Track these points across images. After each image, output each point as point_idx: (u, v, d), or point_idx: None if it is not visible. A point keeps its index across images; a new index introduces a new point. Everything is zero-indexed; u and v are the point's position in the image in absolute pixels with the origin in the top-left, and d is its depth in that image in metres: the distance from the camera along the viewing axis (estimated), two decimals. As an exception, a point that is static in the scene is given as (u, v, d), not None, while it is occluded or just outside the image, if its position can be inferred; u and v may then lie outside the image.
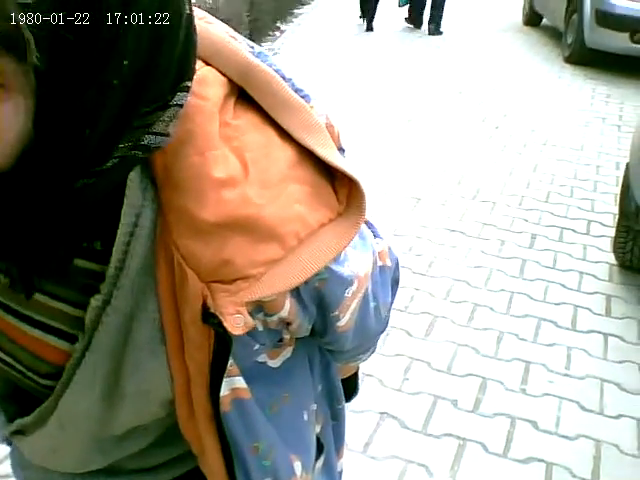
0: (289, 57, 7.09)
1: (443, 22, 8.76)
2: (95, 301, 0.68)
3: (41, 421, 0.78)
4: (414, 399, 2.65)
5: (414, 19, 8.99)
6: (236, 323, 0.66)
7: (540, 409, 2.65)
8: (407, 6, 9.04)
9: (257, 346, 0.74)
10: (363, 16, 8.82)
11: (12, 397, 0.85)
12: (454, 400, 2.66)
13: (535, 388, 2.76)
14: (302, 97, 0.71)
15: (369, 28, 8.70)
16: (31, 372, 0.75)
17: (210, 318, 0.66)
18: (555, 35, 8.88)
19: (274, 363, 0.81)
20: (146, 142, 0.61)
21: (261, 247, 0.64)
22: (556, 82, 7.11)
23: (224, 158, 0.65)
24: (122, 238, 0.65)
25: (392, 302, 0.96)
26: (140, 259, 0.66)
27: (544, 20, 9.61)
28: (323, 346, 0.91)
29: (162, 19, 0.56)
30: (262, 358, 0.79)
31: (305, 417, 0.89)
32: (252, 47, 0.74)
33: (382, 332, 0.96)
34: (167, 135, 0.62)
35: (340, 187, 0.70)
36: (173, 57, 0.59)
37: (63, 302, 0.70)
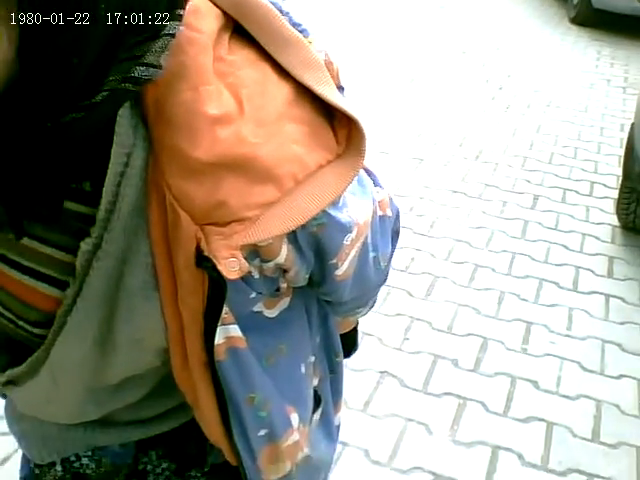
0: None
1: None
2: (85, 245, 0.65)
3: (33, 371, 0.75)
4: (414, 358, 2.64)
5: None
6: (231, 267, 0.63)
7: (541, 369, 2.64)
8: None
9: (253, 294, 0.72)
10: None
11: (4, 347, 0.83)
12: (454, 359, 2.65)
13: (536, 348, 2.75)
14: (300, 32, 0.68)
15: None
16: (22, 320, 0.73)
17: (204, 262, 0.63)
18: (561, -5, 8.75)
19: (270, 313, 0.79)
20: (136, 74, 0.57)
21: (257, 188, 0.62)
22: (561, 43, 7.02)
23: (218, 94, 0.61)
24: (112, 179, 0.62)
25: (392, 253, 0.93)
26: (131, 200, 0.63)
27: (549, -20, 9.46)
28: (321, 297, 0.88)
29: None
30: (258, 307, 0.77)
31: (302, 369, 0.88)
32: None
33: (381, 284, 0.94)
34: (159, 67, 0.59)
35: (339, 127, 0.67)
36: None
37: (53, 247, 0.67)
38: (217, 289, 0.65)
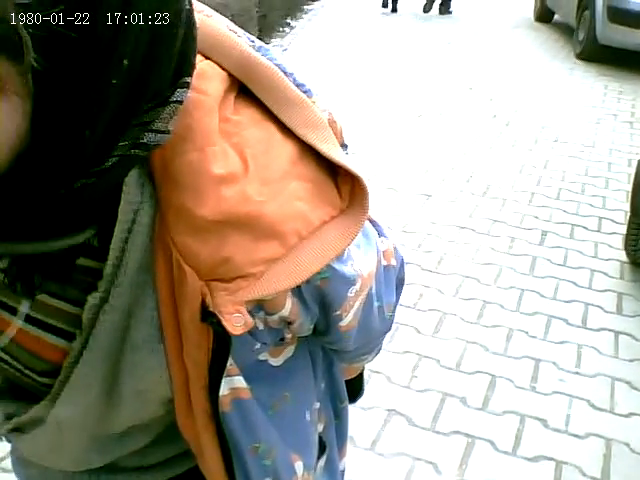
0: (298, 53, 7.08)
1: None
2: (93, 299, 0.66)
3: (39, 420, 0.77)
4: (422, 396, 2.63)
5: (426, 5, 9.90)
6: (235, 322, 0.64)
7: (550, 407, 2.63)
8: None
9: (258, 345, 0.73)
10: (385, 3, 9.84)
11: (10, 394, 0.84)
12: (463, 397, 2.64)
13: (545, 386, 2.73)
14: (304, 92, 0.69)
15: (394, 9, 9.84)
16: (28, 370, 0.74)
17: (209, 317, 0.64)
18: (567, 31, 8.83)
19: (276, 361, 0.80)
20: (145, 140, 0.59)
21: (261, 245, 0.63)
22: (567, 78, 7.07)
23: (223, 154, 0.63)
24: (119, 235, 0.64)
25: (397, 302, 0.94)
26: (138, 256, 0.65)
27: (556, 16, 9.56)
28: (326, 346, 0.89)
29: (162, 18, 0.55)
30: (263, 356, 0.78)
31: (307, 417, 0.88)
32: (252, 41, 0.72)
33: (386, 332, 0.95)
34: (167, 132, 0.61)
35: (342, 184, 0.68)
36: (172, 54, 0.58)
37: (60, 299, 0.69)
38: (222, 343, 0.66)
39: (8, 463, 2.15)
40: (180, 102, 0.60)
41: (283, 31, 8.18)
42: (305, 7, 9.54)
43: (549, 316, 3.18)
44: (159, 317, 0.67)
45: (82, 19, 0.49)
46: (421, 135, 5.28)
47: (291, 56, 6.75)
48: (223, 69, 0.68)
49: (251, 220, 0.62)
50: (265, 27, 7.54)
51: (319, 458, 0.96)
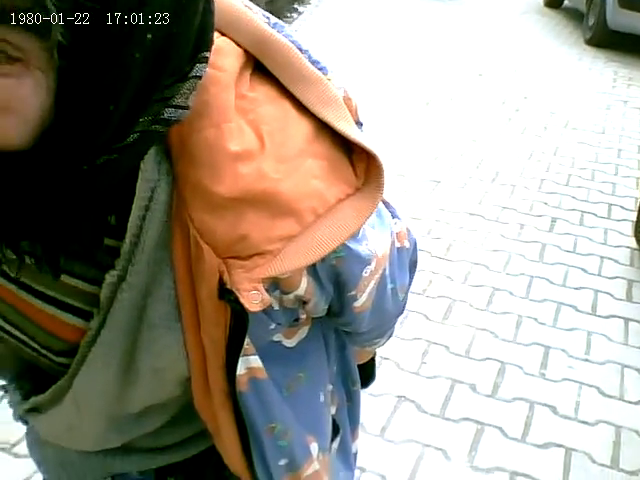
0: (306, 39, 7.02)
1: None
2: (110, 277, 0.66)
3: (56, 399, 0.77)
4: (432, 383, 2.63)
5: None
6: (253, 300, 0.64)
7: (559, 394, 2.62)
8: None
9: (273, 325, 0.73)
10: None
11: (26, 375, 0.85)
12: (472, 384, 2.64)
13: (554, 373, 2.73)
14: (319, 69, 0.69)
15: None
16: (45, 349, 0.74)
17: (226, 294, 0.64)
18: (576, 17, 8.76)
19: (289, 343, 0.80)
20: (166, 115, 0.59)
21: (277, 223, 0.63)
22: (577, 64, 7.02)
23: (240, 131, 0.63)
24: (137, 213, 0.64)
25: (410, 284, 0.94)
26: (155, 234, 0.65)
27: (565, 1, 9.49)
28: (339, 327, 0.89)
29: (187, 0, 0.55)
30: (277, 337, 0.78)
31: (321, 398, 0.88)
32: (268, 18, 0.72)
33: (399, 315, 0.95)
34: (186, 108, 0.60)
35: (358, 162, 0.68)
36: (192, 28, 0.58)
37: (78, 278, 0.69)
38: (239, 321, 0.66)
39: (20, 449, 2.16)
40: (199, 77, 0.60)
41: (291, 17, 8.14)
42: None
43: (559, 303, 3.17)
44: (176, 295, 0.67)
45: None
46: (430, 122, 5.26)
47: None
48: (239, 46, 0.68)
49: (267, 197, 0.62)
50: (273, 13, 7.43)
51: (333, 440, 0.96)
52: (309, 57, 0.69)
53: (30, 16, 0.47)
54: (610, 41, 7.50)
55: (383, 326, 0.94)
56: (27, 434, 1.01)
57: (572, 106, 5.77)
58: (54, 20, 0.48)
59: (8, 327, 0.75)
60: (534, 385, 2.66)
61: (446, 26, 8.21)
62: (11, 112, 0.52)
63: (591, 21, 7.76)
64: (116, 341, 0.70)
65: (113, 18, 0.50)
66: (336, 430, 0.97)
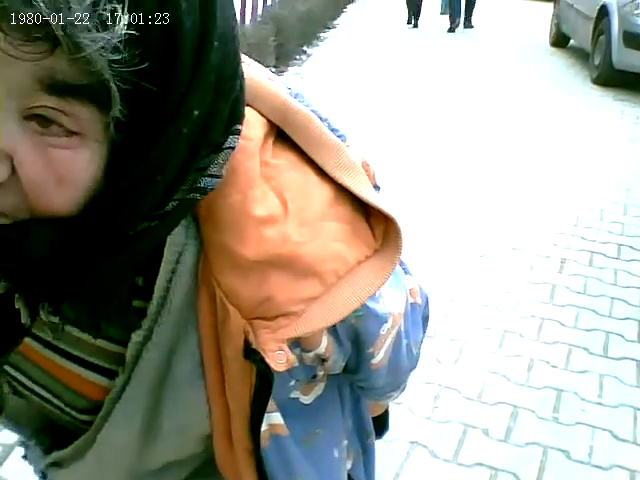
0: (315, 80, 7.14)
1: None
2: (136, 336, 0.69)
3: (79, 454, 0.78)
4: (444, 428, 2.63)
5: (452, 22, 10.47)
6: (278, 359, 0.67)
7: (573, 438, 2.61)
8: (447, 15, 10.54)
9: (293, 382, 0.75)
10: (410, 18, 10.52)
11: (47, 430, 0.86)
12: (485, 429, 2.63)
13: (567, 417, 2.72)
14: (338, 137, 0.73)
15: (415, 25, 10.55)
16: (69, 407, 0.76)
17: (252, 354, 0.66)
18: (582, 56, 8.85)
19: (306, 399, 0.82)
20: (203, 184, 0.62)
21: (301, 284, 0.65)
22: (584, 103, 7.08)
23: (264, 197, 0.66)
24: (164, 275, 0.66)
25: (422, 339, 0.96)
26: (182, 295, 0.67)
27: (571, 41, 9.58)
28: (355, 383, 0.91)
29: (225, 73, 0.59)
30: (295, 394, 0.80)
31: (336, 454, 0.90)
32: (289, 88, 0.75)
33: (413, 369, 0.96)
34: (220, 177, 0.64)
35: (376, 224, 0.71)
36: (229, 104, 0.62)
37: (103, 338, 0.71)
38: (264, 380, 0.68)
39: None
40: (232, 148, 0.64)
41: (300, 58, 8.26)
42: (321, 35, 9.63)
43: (570, 345, 3.17)
44: (201, 354, 0.69)
45: (162, 75, 0.53)
46: (435, 161, 5.29)
47: (308, 83, 6.81)
48: (263, 116, 0.71)
49: (291, 260, 0.65)
50: (282, 55, 7.61)
51: None
52: (329, 125, 0.73)
53: (94, 91, 0.51)
54: (617, 80, 7.56)
55: (398, 380, 0.95)
56: None
57: (579, 145, 5.80)
58: (115, 97, 0.51)
59: (32, 385, 0.77)
60: (547, 429, 2.65)
61: (453, 65, 8.30)
62: (66, 183, 0.55)
63: (597, 60, 7.84)
64: (140, 398, 0.71)
65: (166, 97, 0.54)
66: None
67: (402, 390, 1.03)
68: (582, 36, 8.60)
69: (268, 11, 8.53)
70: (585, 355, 3.11)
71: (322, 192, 0.69)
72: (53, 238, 0.57)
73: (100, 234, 0.58)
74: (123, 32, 0.49)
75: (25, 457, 1.02)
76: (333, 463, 0.89)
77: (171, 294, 0.67)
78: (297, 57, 8.27)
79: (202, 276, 0.66)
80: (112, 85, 0.51)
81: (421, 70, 8.00)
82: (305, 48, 8.71)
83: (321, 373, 0.80)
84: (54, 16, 0.46)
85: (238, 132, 0.64)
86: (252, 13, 8.17)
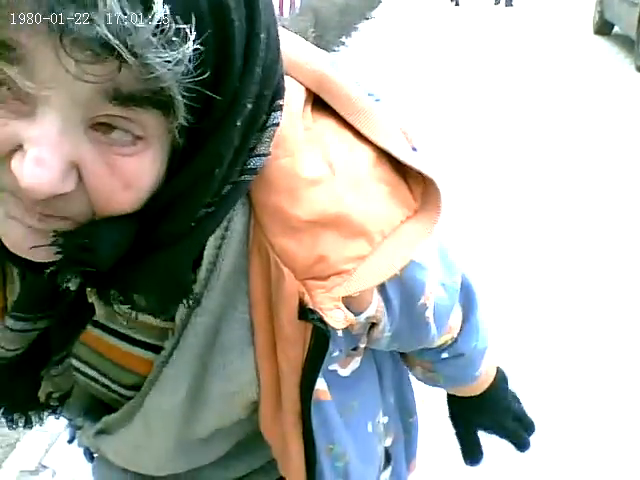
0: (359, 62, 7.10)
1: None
2: (186, 302, 0.69)
3: (127, 418, 0.79)
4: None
5: None
6: (337, 318, 0.67)
7: None
8: None
9: (337, 352, 0.75)
10: None
11: (93, 411, 0.87)
12: None
13: None
14: (375, 100, 0.73)
15: (457, 3, 11.14)
16: (116, 384, 0.77)
17: (309, 314, 0.67)
18: (627, 44, 8.68)
19: (344, 372, 0.82)
20: (252, 165, 0.63)
21: (351, 243, 0.66)
22: (629, 92, 6.94)
23: (311, 159, 0.67)
24: (213, 242, 0.67)
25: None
26: (231, 261, 0.68)
27: (615, 28, 9.41)
28: (416, 351, 0.91)
29: (270, 58, 0.60)
30: (333, 367, 0.80)
31: (369, 428, 0.90)
32: (324, 55, 0.76)
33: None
34: (268, 154, 0.64)
35: (414, 185, 0.71)
36: (274, 84, 0.62)
37: (150, 314, 0.71)
38: (320, 340, 0.69)
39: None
40: (277, 125, 0.64)
41: (338, 50, 8.25)
42: (358, 26, 9.61)
43: None
44: (250, 320, 0.70)
45: (218, 77, 0.54)
46: (481, 146, 5.24)
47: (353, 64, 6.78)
48: (301, 83, 0.72)
49: (342, 220, 0.66)
50: (321, 47, 7.56)
51: (384, 470, 0.98)
52: (364, 89, 0.73)
53: (158, 101, 0.51)
54: (662, 68, 7.41)
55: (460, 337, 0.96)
56: (93, 473, 1.04)
57: (625, 134, 5.69)
58: (180, 107, 0.52)
59: (80, 364, 0.78)
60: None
61: (494, 55, 8.21)
62: (133, 187, 0.56)
63: (642, 48, 7.69)
64: (188, 363, 0.72)
65: (223, 97, 0.55)
66: (388, 460, 0.99)
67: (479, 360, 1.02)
68: (627, 23, 8.43)
69: (306, 3, 8.54)
70: None
71: (364, 155, 0.70)
72: (122, 239, 0.58)
73: (163, 227, 0.59)
74: (191, 49, 0.49)
75: (70, 441, 1.04)
76: (366, 437, 0.90)
77: (220, 260, 0.67)
78: (336, 48, 8.27)
79: (253, 240, 0.67)
80: (178, 97, 0.51)
81: (460, 53, 7.93)
82: (343, 39, 8.70)
83: (362, 345, 0.80)
84: (121, 38, 0.46)
85: (280, 107, 0.65)
86: (290, 5, 8.19)
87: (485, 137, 5.57)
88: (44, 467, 2.21)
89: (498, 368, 1.12)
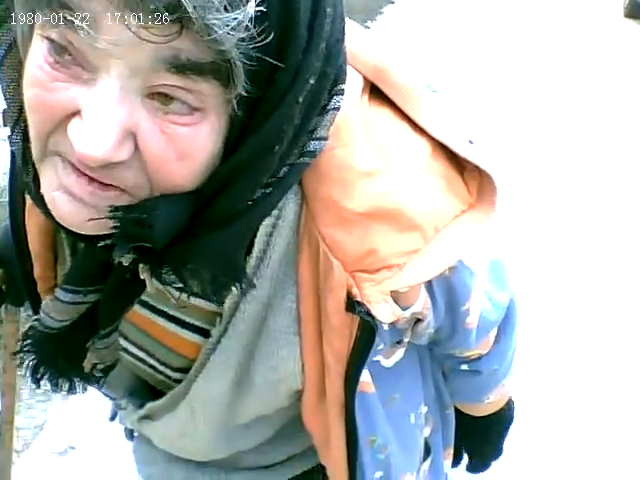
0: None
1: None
2: (235, 289, 0.68)
3: (173, 405, 0.80)
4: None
5: None
6: (384, 311, 0.67)
7: None
8: None
9: (381, 345, 0.75)
10: None
11: (137, 392, 0.89)
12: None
13: None
14: (432, 92, 0.73)
15: None
16: (163, 366, 0.78)
17: (356, 306, 0.66)
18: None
19: (387, 363, 0.82)
20: (311, 148, 0.63)
21: (403, 237, 0.66)
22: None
23: (367, 150, 0.67)
24: (264, 230, 0.67)
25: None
26: (281, 250, 0.68)
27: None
28: (448, 351, 0.91)
29: (335, 36, 0.59)
30: (377, 357, 0.80)
31: (412, 419, 0.90)
32: (380, 44, 0.76)
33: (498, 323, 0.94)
34: (326, 138, 0.64)
35: (470, 178, 0.71)
36: (337, 66, 0.62)
37: (201, 298, 0.71)
38: (367, 332, 0.69)
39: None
40: (337, 109, 0.64)
41: (363, 33, 8.22)
42: (382, 9, 9.56)
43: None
44: (297, 309, 0.70)
45: (281, 48, 0.53)
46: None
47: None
48: (357, 71, 0.72)
49: (394, 213, 0.65)
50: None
51: (424, 461, 0.98)
52: (422, 80, 0.73)
53: (217, 69, 0.51)
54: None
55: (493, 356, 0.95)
56: (134, 452, 1.05)
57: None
58: (240, 75, 0.52)
59: (127, 345, 0.79)
60: None
61: (522, 39, 8.11)
62: (187, 158, 0.55)
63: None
64: (235, 351, 0.73)
65: (285, 70, 0.54)
66: (427, 452, 0.99)
67: (502, 380, 1.01)
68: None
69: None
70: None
71: (420, 146, 0.69)
72: (179, 216, 0.58)
73: (219, 206, 0.59)
74: (253, 11, 0.49)
75: (112, 418, 1.04)
76: (409, 428, 0.90)
77: (270, 248, 0.67)
78: (360, 32, 8.24)
79: (304, 230, 0.67)
80: (237, 63, 0.51)
81: (486, 36, 7.84)
82: (368, 23, 8.66)
83: (406, 339, 0.80)
84: None
85: (342, 92, 0.64)
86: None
87: (513, 124, 5.51)
88: (72, 448, 2.23)
89: (509, 404, 1.09)
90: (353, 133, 0.67)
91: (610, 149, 5.00)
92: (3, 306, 1.07)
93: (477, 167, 0.70)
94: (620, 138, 5.21)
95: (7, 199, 0.76)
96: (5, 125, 0.62)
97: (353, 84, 0.69)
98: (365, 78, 0.72)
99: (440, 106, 0.72)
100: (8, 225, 0.78)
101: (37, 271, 0.79)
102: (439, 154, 0.70)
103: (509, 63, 7.16)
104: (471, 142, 0.74)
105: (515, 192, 3.95)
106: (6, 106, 0.61)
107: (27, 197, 0.70)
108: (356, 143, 0.66)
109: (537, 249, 3.52)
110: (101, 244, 0.59)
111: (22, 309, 1.13)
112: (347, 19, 0.77)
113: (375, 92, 0.72)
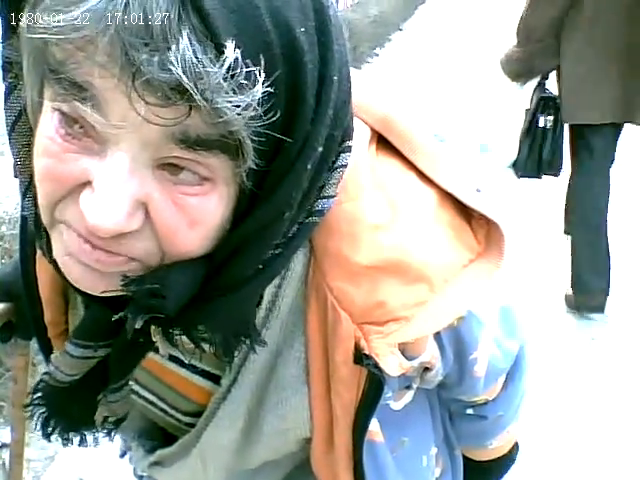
0: (387, 81, 7.07)
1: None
2: (245, 346, 0.69)
3: (183, 452, 0.80)
4: None
5: None
6: (392, 364, 0.67)
7: None
8: None
9: (389, 393, 0.75)
10: None
11: (147, 434, 0.89)
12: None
13: None
14: (439, 141, 0.74)
15: None
16: (174, 410, 0.79)
17: (364, 359, 0.67)
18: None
19: (397, 406, 0.82)
20: (320, 207, 0.63)
21: (411, 289, 0.66)
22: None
23: (375, 203, 0.67)
24: (273, 282, 0.67)
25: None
26: (290, 301, 0.68)
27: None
28: (454, 398, 0.90)
29: (341, 99, 0.59)
30: (386, 401, 0.79)
31: (424, 462, 0.89)
32: (387, 94, 0.76)
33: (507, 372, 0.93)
34: (335, 196, 0.64)
35: (478, 227, 0.71)
36: (344, 125, 0.62)
37: (211, 345, 0.71)
38: (374, 384, 0.69)
39: None
40: (345, 166, 0.64)
41: (372, 61, 8.26)
42: (390, 37, 9.61)
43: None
44: (306, 358, 0.70)
45: (289, 121, 0.53)
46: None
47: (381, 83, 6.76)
48: (365, 122, 0.72)
49: (402, 266, 0.65)
50: (355, 58, 7.63)
51: None
52: (428, 130, 0.74)
53: (226, 145, 0.51)
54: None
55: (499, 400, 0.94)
56: None
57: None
58: (248, 151, 0.52)
59: (139, 388, 0.79)
60: None
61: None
62: (198, 225, 0.56)
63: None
64: (244, 400, 0.73)
65: (294, 141, 0.54)
66: None
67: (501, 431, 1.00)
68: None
69: (341, 15, 8.55)
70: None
71: (427, 196, 0.70)
72: (190, 285, 0.58)
73: (230, 271, 0.59)
74: (260, 93, 0.49)
75: (122, 456, 1.05)
76: (421, 471, 0.89)
77: (279, 299, 0.68)
78: (369, 60, 8.27)
79: (312, 282, 0.67)
80: (247, 141, 0.51)
81: (493, 66, 7.86)
82: (377, 50, 8.70)
83: (415, 385, 0.80)
84: (193, 82, 0.47)
85: (349, 149, 0.65)
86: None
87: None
88: (83, 480, 2.22)
89: (512, 450, 1.07)
90: (361, 186, 0.67)
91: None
92: (13, 339, 1.08)
93: (486, 218, 0.70)
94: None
95: (18, 230, 0.76)
96: (16, 177, 0.63)
97: (360, 136, 0.69)
98: (372, 129, 0.72)
99: (447, 155, 0.72)
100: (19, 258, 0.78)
101: (48, 316, 0.79)
102: (446, 203, 0.70)
103: (517, 89, 7.17)
104: (478, 190, 0.74)
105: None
106: (17, 173, 0.62)
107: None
108: (364, 196, 0.67)
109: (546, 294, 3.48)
110: (115, 317, 0.59)
111: (32, 342, 1.14)
112: (351, 70, 0.78)
113: (382, 142, 0.73)
